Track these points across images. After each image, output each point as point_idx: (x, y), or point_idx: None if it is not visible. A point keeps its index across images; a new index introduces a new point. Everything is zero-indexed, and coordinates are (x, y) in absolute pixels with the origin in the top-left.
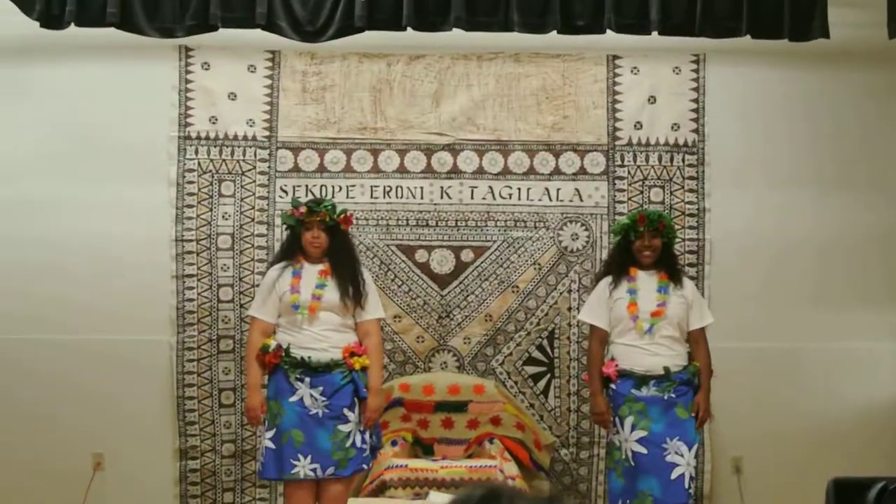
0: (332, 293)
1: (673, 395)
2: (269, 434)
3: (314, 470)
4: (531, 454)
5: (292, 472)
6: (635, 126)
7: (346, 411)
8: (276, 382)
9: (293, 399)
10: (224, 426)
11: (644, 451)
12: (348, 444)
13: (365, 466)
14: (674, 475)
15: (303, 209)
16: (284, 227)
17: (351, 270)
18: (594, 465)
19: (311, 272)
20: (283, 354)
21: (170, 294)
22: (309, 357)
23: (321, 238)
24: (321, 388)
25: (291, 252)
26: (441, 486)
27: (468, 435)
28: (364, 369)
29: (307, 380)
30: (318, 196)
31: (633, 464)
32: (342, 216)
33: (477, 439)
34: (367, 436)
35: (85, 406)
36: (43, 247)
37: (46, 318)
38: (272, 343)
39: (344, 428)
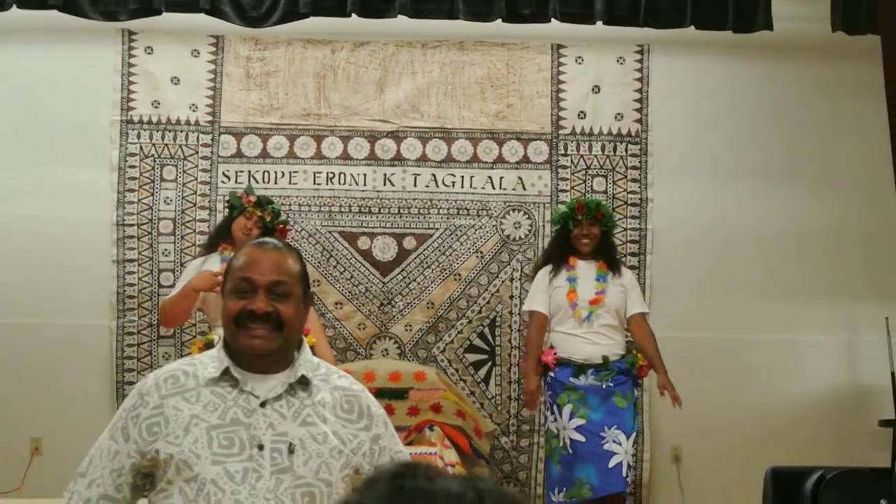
0: None
1: (611, 384)
2: None
3: None
4: (471, 442)
5: None
6: (579, 115)
7: None
8: None
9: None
10: None
11: (582, 439)
12: None
13: None
14: (611, 463)
15: (252, 198)
16: (226, 206)
17: None
18: (534, 452)
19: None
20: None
21: (110, 279)
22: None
23: (254, 233)
24: None
25: (217, 240)
26: None
27: (409, 422)
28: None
29: None
30: (262, 195)
31: (570, 451)
32: (281, 224)
33: (417, 426)
34: None
35: (23, 390)
36: None
37: None
38: (215, 338)
39: None
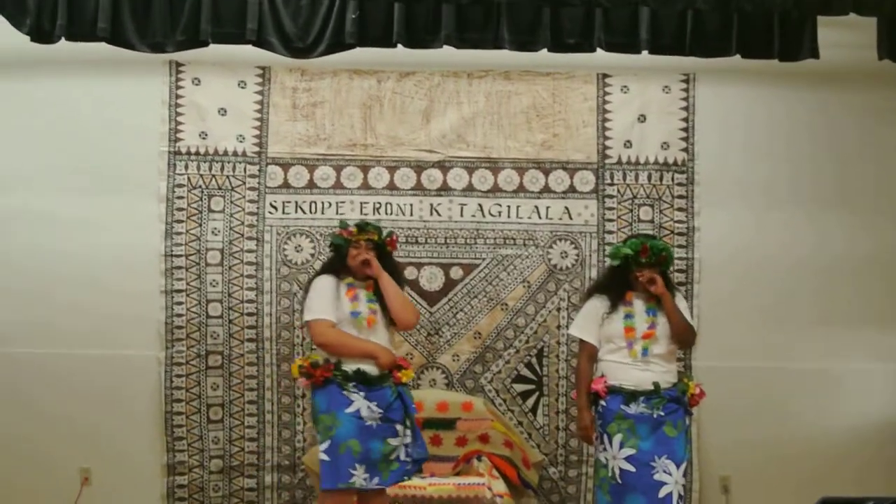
0: (380, 310)
1: (662, 413)
2: (324, 447)
3: (365, 479)
4: (519, 472)
5: (349, 481)
6: (625, 145)
7: (398, 426)
8: (329, 395)
9: (349, 410)
10: (212, 442)
11: (632, 469)
12: (393, 456)
13: (406, 478)
14: (662, 493)
15: (352, 229)
16: (330, 248)
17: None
18: (582, 483)
19: (362, 288)
20: (335, 368)
21: (159, 309)
22: (363, 370)
23: (370, 256)
24: (377, 402)
25: (335, 271)
26: (430, 503)
27: (456, 452)
28: (407, 384)
29: (362, 392)
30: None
31: (620, 482)
32: (388, 238)
33: (465, 457)
34: (414, 449)
35: (73, 419)
36: (32, 260)
37: (35, 332)
38: (321, 357)
39: (394, 441)
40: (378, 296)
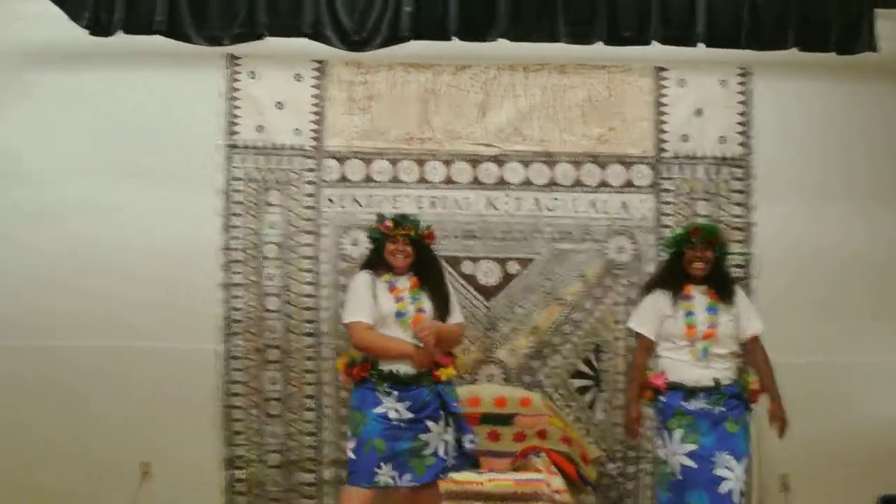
0: (427, 305)
1: (723, 409)
2: (352, 445)
3: (393, 477)
4: (578, 468)
5: (374, 480)
6: (682, 139)
7: (428, 422)
8: (362, 393)
9: (377, 410)
10: (270, 436)
11: (693, 464)
12: (427, 451)
13: (442, 476)
14: (722, 489)
15: (388, 223)
16: (369, 240)
17: (438, 284)
18: (641, 479)
19: (405, 284)
20: (371, 367)
21: (217, 303)
22: (398, 370)
23: (408, 251)
24: (409, 404)
25: (374, 265)
26: (488, 499)
27: (514, 448)
28: (449, 381)
29: (395, 393)
30: (403, 212)
31: (680, 477)
32: (426, 231)
33: (523, 452)
34: (467, 444)
35: (133, 413)
36: (90, 253)
37: (93, 326)
38: (358, 356)
39: (424, 437)
40: (423, 291)
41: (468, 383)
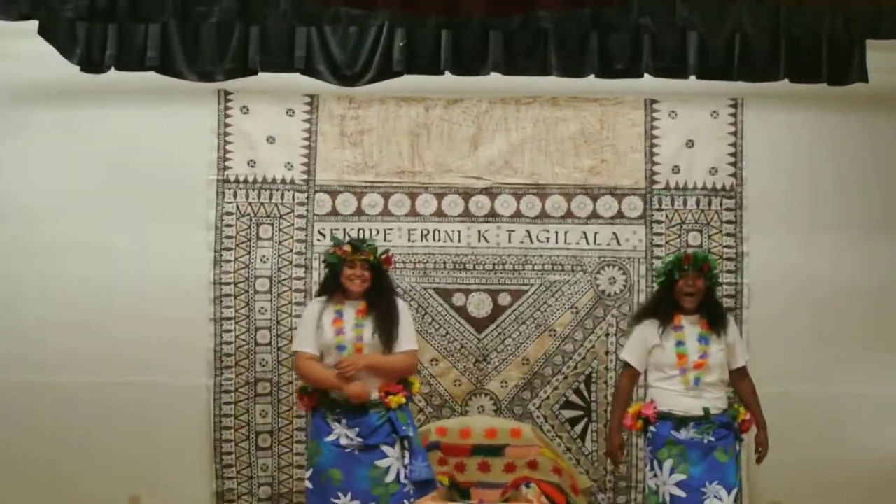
0: (368, 333)
1: (712, 439)
2: (308, 474)
3: None
4: (568, 498)
5: None
6: (673, 170)
7: (383, 447)
8: (315, 422)
9: (329, 439)
10: (261, 469)
11: (683, 494)
12: (389, 479)
13: (406, 502)
14: None
15: (346, 248)
16: (324, 265)
17: (386, 310)
18: None
19: (351, 312)
20: (320, 396)
21: (208, 337)
22: (345, 398)
23: (365, 276)
24: (357, 430)
25: (330, 290)
26: None
27: (505, 479)
28: (401, 407)
29: (343, 420)
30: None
31: None
32: (384, 256)
33: (514, 483)
34: (409, 472)
35: (123, 446)
36: (81, 287)
37: (84, 361)
38: (310, 386)
39: (381, 463)
40: (370, 317)
41: (459, 415)
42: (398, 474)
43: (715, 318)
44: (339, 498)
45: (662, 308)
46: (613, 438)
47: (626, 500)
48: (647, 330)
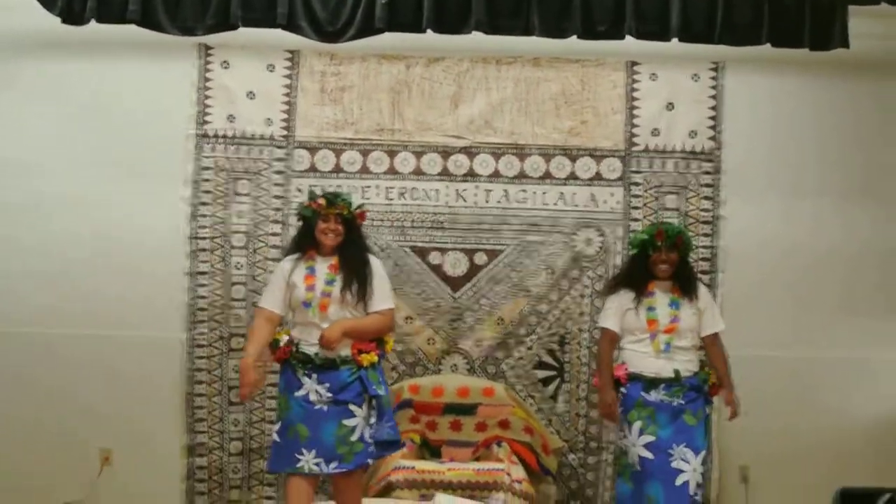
0: (337, 289)
1: (682, 401)
2: (276, 427)
3: (318, 464)
4: (539, 458)
5: (297, 465)
6: (652, 132)
7: (351, 406)
8: (286, 377)
9: (299, 394)
10: (232, 424)
11: (651, 456)
12: (354, 437)
13: (370, 461)
14: (678, 481)
15: (321, 200)
16: (298, 218)
17: (359, 266)
18: (601, 470)
19: (322, 268)
20: (293, 350)
21: (182, 291)
22: (316, 353)
23: (339, 230)
24: (327, 385)
25: (303, 245)
26: (448, 487)
27: (476, 437)
28: (373, 366)
29: (314, 375)
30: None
31: (639, 469)
32: (358, 210)
33: (485, 442)
34: (374, 431)
35: (95, 400)
36: (58, 240)
37: (59, 313)
38: (283, 338)
39: (349, 422)
40: (341, 273)
41: (433, 373)
42: (363, 434)
43: (687, 284)
44: (302, 454)
45: (636, 277)
46: (605, 396)
47: (597, 461)
48: (622, 296)
